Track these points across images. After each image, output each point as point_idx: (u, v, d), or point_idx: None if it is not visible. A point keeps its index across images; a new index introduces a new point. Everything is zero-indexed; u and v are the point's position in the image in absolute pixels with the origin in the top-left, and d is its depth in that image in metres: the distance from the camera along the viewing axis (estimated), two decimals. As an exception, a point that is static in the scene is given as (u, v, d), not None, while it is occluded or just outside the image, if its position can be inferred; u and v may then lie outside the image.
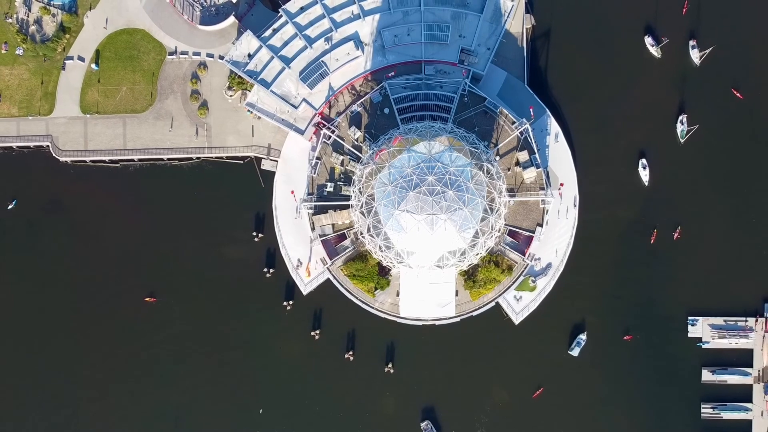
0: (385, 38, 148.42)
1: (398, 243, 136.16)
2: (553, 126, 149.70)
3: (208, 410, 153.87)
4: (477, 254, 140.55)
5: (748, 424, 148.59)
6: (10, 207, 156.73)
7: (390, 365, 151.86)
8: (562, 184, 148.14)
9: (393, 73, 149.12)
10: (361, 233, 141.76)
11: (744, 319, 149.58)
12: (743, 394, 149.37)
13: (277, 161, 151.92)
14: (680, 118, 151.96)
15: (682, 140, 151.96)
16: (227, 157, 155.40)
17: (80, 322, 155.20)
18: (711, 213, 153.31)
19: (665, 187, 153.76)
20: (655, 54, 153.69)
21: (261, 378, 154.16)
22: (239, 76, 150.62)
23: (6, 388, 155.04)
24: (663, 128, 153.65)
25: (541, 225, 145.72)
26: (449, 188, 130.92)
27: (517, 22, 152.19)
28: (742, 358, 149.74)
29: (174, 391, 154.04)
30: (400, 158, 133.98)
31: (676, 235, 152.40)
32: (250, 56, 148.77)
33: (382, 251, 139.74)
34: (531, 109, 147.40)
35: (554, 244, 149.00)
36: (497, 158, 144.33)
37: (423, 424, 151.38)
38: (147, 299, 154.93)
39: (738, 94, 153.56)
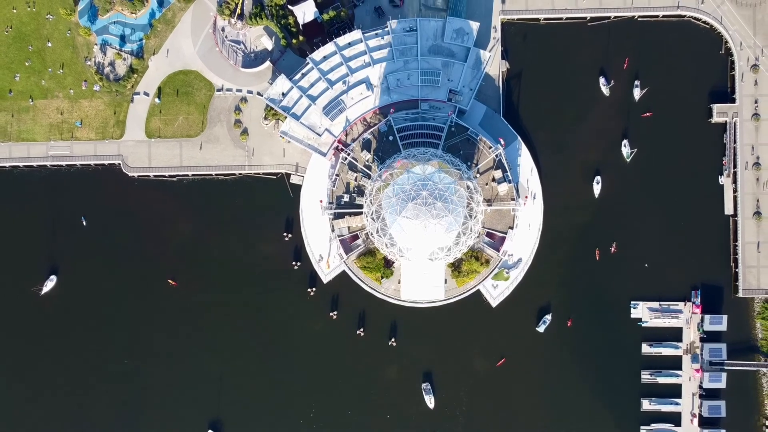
0: (389, 81, 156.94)
1: (400, 241, 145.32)
2: (523, 149, 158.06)
3: (243, 374, 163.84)
4: (460, 250, 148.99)
5: (678, 386, 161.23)
6: (85, 224, 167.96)
7: (393, 339, 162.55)
8: (526, 197, 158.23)
9: (394, 109, 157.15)
10: (371, 234, 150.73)
11: (675, 303, 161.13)
12: (674, 363, 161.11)
13: (303, 177, 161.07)
14: (623, 142, 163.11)
15: (627, 160, 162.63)
16: (263, 173, 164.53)
17: (139, 301, 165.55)
18: (649, 218, 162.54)
19: (613, 198, 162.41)
20: (606, 92, 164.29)
21: (288, 350, 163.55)
22: (274, 109, 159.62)
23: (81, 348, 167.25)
24: (611, 151, 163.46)
25: (512, 228, 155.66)
26: (438, 200, 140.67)
27: (495, 67, 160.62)
28: (674, 334, 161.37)
29: (217, 357, 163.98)
30: (402, 177, 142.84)
31: (612, 249, 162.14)
32: (284, 94, 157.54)
33: (387, 248, 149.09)
34: (501, 140, 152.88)
35: (524, 241, 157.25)
36: (477, 176, 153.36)
37: (423, 385, 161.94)
38: (170, 281, 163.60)
39: (647, 114, 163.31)
